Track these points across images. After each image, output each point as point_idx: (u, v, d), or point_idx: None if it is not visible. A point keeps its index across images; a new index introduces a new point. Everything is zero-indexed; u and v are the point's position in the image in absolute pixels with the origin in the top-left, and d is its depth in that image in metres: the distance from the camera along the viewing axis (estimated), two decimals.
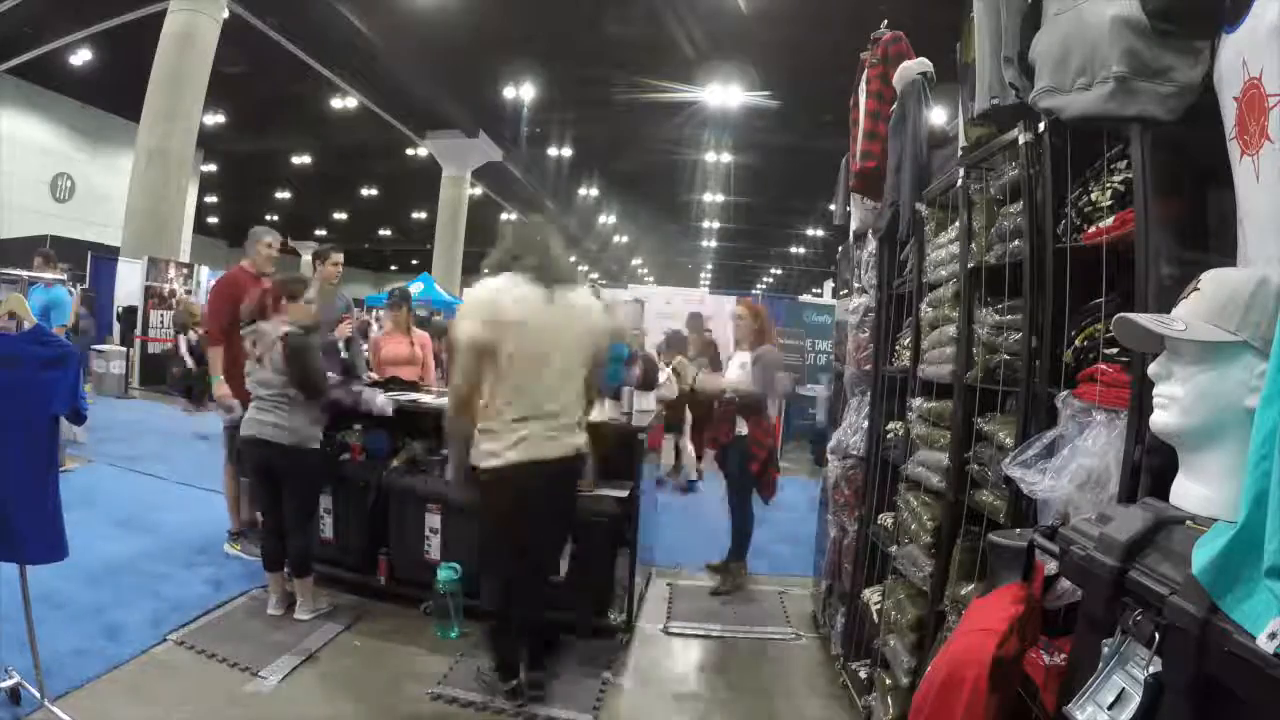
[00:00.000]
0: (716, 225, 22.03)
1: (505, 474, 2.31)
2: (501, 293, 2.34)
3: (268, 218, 24.85)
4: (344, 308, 4.26)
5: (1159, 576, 0.80)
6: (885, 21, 2.68)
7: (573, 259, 3.11)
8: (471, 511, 2.61)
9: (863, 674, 2.51)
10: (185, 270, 11.01)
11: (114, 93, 13.32)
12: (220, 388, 3.46)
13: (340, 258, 4.02)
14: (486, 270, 2.49)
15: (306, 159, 18.37)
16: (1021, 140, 1.62)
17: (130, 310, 10.10)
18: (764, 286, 30.26)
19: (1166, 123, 1.23)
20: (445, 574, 2.93)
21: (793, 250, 25.05)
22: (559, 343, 2.39)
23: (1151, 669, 0.77)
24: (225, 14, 10.10)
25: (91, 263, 10.31)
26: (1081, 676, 0.87)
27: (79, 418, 2.21)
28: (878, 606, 2.33)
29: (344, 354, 3.69)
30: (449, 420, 2.48)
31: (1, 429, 2.03)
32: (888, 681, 2.20)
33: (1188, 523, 0.86)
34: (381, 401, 3.25)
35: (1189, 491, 0.92)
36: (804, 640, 3.25)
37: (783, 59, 10.47)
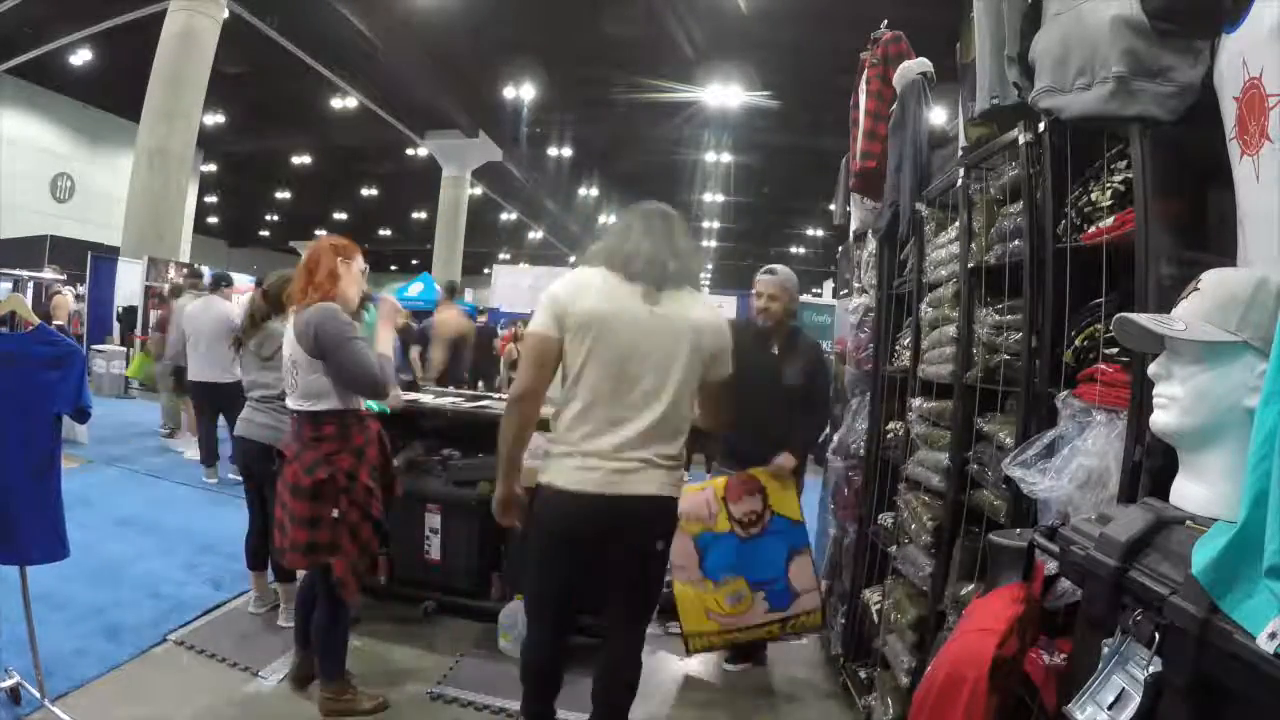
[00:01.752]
0: (716, 225, 22.03)
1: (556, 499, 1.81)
2: (583, 286, 1.82)
3: (267, 218, 24.94)
4: None
5: (1159, 576, 0.80)
6: (885, 21, 2.68)
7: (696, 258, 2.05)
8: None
9: (863, 674, 2.51)
10: (185, 270, 11.01)
11: (114, 93, 13.34)
12: None
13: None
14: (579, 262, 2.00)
15: (306, 159, 18.38)
16: (1021, 140, 1.62)
17: (130, 310, 10.09)
18: None
19: (1166, 123, 1.23)
20: None
21: (793, 250, 25.04)
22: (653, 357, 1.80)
23: (1151, 669, 0.76)
24: (225, 14, 10.10)
25: (91, 263, 10.31)
26: (1081, 676, 0.87)
27: (84, 416, 2.20)
28: (878, 606, 2.33)
29: None
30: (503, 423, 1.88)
31: (2, 429, 2.04)
32: (888, 682, 2.20)
33: (1188, 523, 0.86)
34: None
35: (1189, 491, 0.92)
36: (804, 640, 3.25)
37: (783, 59, 10.48)
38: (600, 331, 1.76)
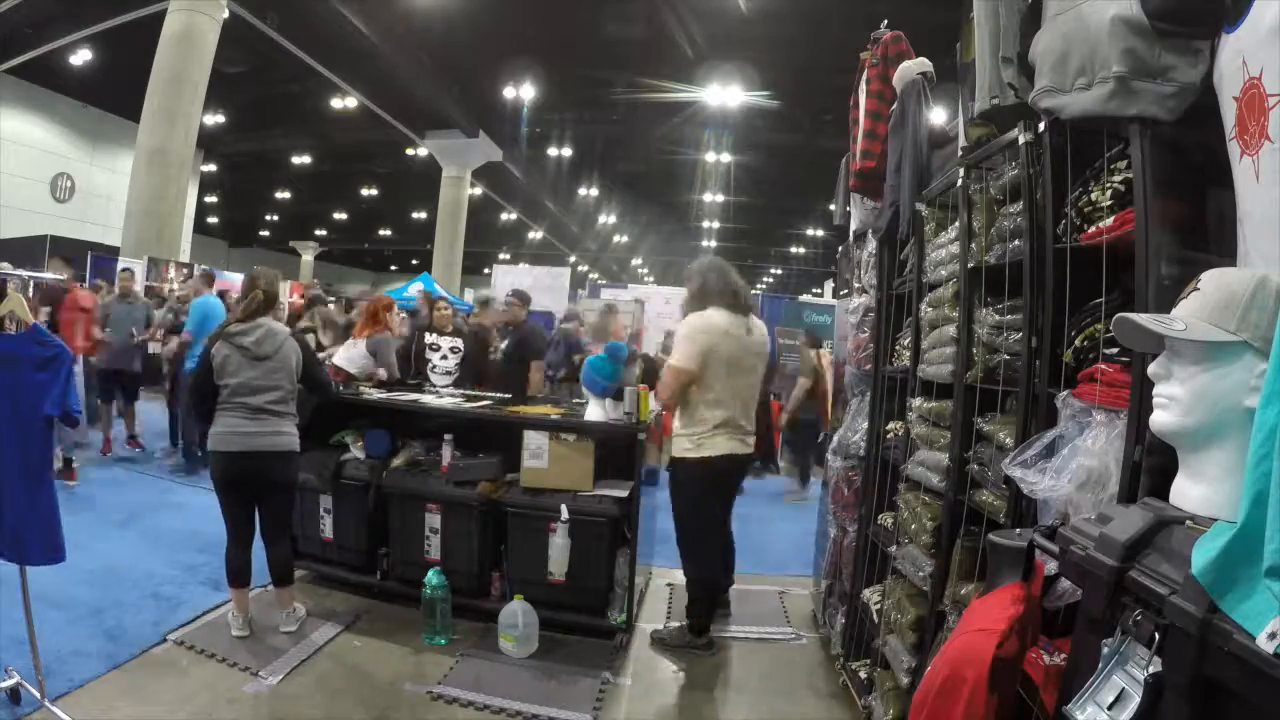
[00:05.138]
0: (716, 225, 22.02)
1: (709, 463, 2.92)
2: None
3: (268, 218, 24.95)
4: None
5: (1159, 576, 0.80)
6: (885, 21, 2.68)
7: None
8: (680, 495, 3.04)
9: (863, 674, 2.51)
10: (185, 270, 11.00)
11: (114, 93, 13.31)
12: None
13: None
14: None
15: (306, 159, 18.35)
16: (1021, 140, 1.62)
17: None
18: (764, 286, 30.23)
19: (1166, 123, 1.23)
20: (434, 579, 2.92)
21: (793, 250, 25.03)
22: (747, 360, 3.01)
23: (1151, 669, 0.76)
24: (225, 14, 10.09)
25: (91, 262, 10.30)
26: (1081, 676, 0.87)
27: (71, 420, 2.19)
28: (878, 606, 2.33)
29: None
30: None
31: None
32: (888, 682, 2.20)
33: (1188, 523, 0.86)
34: None
35: (1189, 491, 0.92)
36: (804, 640, 3.25)
37: (783, 59, 10.48)
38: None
